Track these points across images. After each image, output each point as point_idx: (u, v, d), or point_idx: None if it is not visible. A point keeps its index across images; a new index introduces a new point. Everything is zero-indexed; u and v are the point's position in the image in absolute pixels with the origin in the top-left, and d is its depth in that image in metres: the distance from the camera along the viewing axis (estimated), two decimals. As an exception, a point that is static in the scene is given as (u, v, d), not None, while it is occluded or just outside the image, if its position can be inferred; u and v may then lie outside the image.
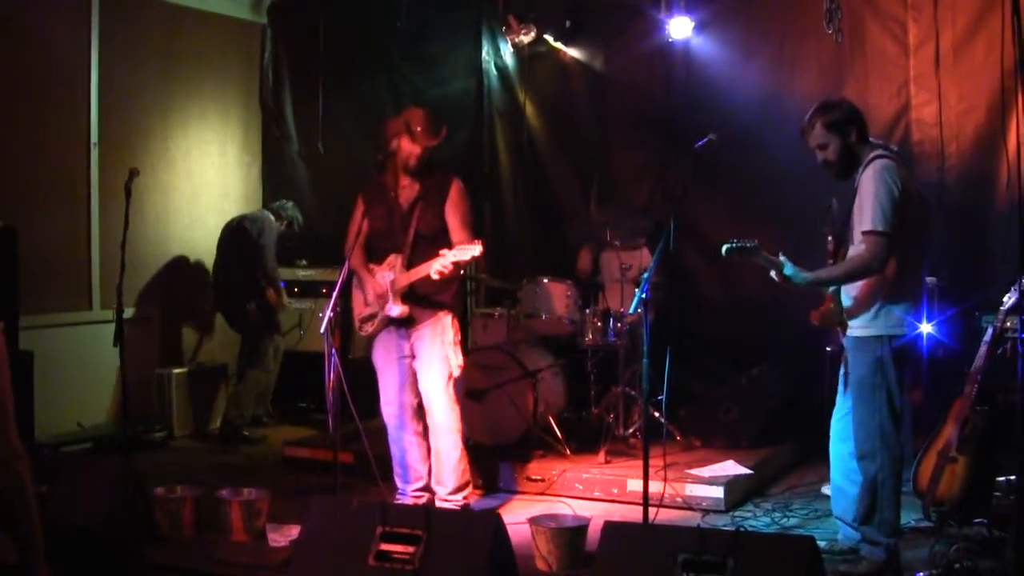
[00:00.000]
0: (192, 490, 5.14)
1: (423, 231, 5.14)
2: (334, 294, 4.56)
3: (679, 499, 5.46)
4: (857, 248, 4.27)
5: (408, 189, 5.22)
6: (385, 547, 3.87)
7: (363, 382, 5.33)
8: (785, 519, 5.25)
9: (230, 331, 7.75)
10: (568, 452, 6.14)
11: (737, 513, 5.39)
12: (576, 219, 7.31)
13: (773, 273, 4.33)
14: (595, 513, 5.05)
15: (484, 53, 8.04)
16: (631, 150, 7.64)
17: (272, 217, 7.60)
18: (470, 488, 5.36)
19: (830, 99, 4.52)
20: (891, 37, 6.61)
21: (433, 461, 5.28)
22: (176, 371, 7.62)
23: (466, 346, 6.40)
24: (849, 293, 4.37)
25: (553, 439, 6.21)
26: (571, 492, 5.75)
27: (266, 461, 6.81)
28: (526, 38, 7.61)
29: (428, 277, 4.98)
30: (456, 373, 5.25)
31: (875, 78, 6.65)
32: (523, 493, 5.87)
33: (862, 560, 4.33)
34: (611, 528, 3.83)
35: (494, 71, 8.08)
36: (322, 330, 4.53)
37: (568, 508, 5.32)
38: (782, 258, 4.31)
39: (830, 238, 4.59)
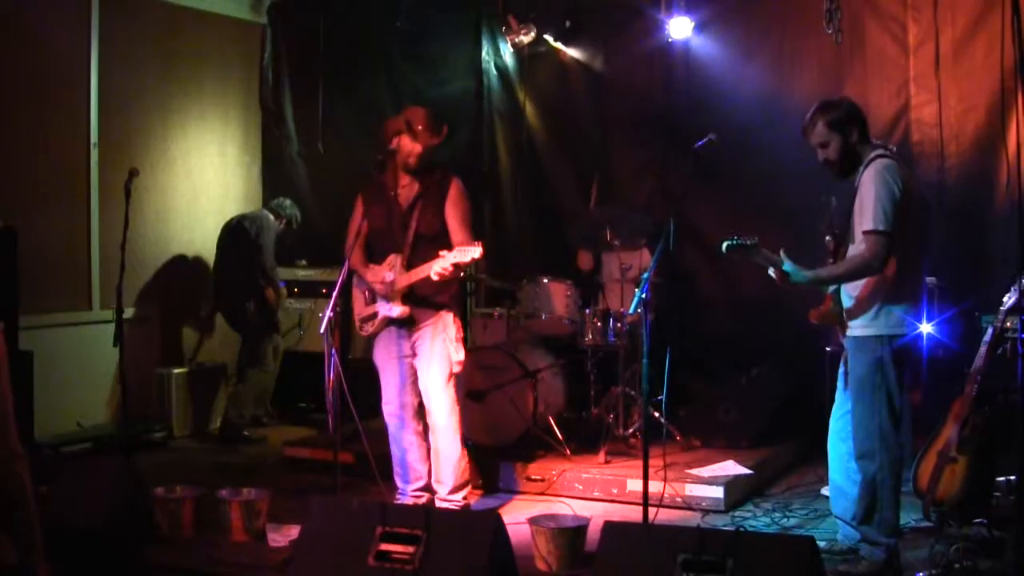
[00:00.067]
0: (192, 490, 5.14)
1: (423, 231, 5.13)
2: (334, 294, 4.56)
3: (679, 499, 5.46)
4: (857, 247, 4.28)
5: (408, 188, 5.21)
6: (385, 547, 3.87)
7: (363, 382, 5.33)
8: (785, 519, 5.25)
9: (230, 331, 7.76)
10: (568, 452, 6.14)
11: (737, 513, 5.38)
12: (576, 219, 7.31)
13: (771, 271, 4.32)
14: (595, 513, 5.05)
15: (484, 53, 8.04)
16: (631, 150, 7.64)
17: (271, 216, 7.62)
18: (470, 487, 5.36)
19: (832, 98, 4.52)
20: (891, 37, 6.61)
21: (433, 460, 5.28)
22: (176, 371, 7.62)
23: (466, 346, 6.39)
24: (850, 293, 4.37)
25: (553, 439, 6.21)
26: (571, 492, 5.75)
27: (266, 461, 6.80)
28: (526, 38, 7.61)
29: (428, 278, 4.98)
30: (457, 369, 5.24)
31: (875, 78, 6.65)
32: (523, 493, 5.87)
33: (862, 560, 4.33)
34: (611, 528, 3.83)
35: (494, 71, 8.08)
36: (322, 330, 4.53)
37: (568, 508, 5.32)
38: (782, 256, 4.31)
39: (828, 237, 4.59)
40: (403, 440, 5.32)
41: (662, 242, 4.46)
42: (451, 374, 5.20)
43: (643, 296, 4.36)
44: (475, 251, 4.82)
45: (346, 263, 4.96)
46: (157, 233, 7.81)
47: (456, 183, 5.20)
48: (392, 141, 5.15)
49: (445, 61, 8.21)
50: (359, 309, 5.35)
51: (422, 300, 5.16)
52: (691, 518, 5.30)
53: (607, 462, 5.97)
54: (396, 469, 5.39)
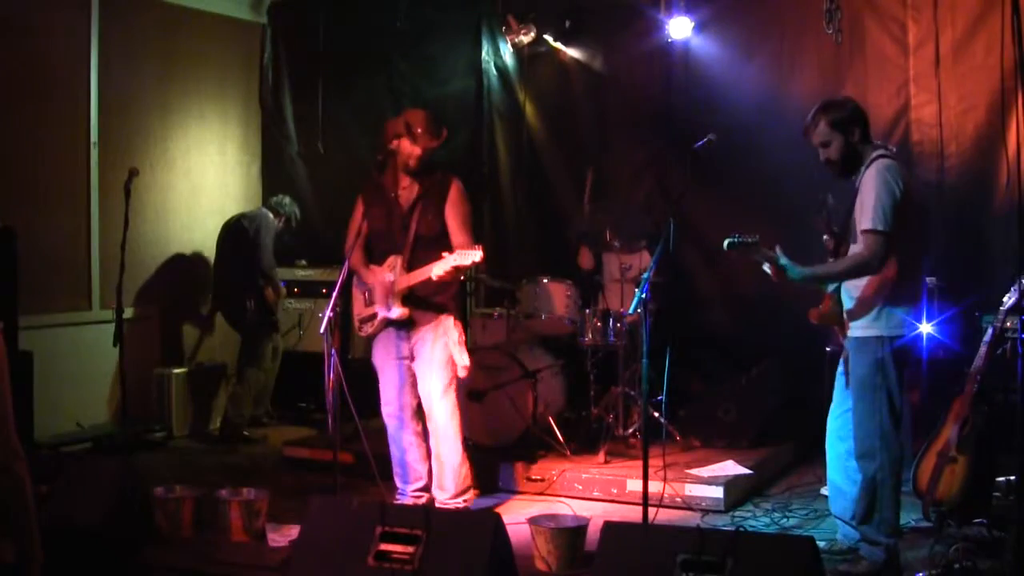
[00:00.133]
0: (192, 490, 5.14)
1: (423, 232, 5.13)
2: (334, 294, 4.56)
3: (679, 499, 5.46)
4: (857, 247, 4.28)
5: (408, 190, 5.21)
6: (384, 547, 3.87)
7: (363, 382, 5.33)
8: (785, 519, 5.25)
9: (230, 331, 7.76)
10: (568, 452, 6.14)
11: (737, 513, 5.38)
12: (576, 218, 7.31)
13: (767, 267, 4.30)
14: (595, 513, 5.06)
15: (484, 53, 8.04)
16: (630, 150, 7.64)
17: (270, 214, 7.62)
18: (471, 492, 5.35)
19: (834, 97, 4.51)
20: (891, 37, 6.61)
21: (434, 466, 5.27)
22: (176, 371, 7.62)
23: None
24: (852, 294, 4.37)
25: (553, 439, 6.21)
26: (571, 492, 5.75)
27: (266, 461, 6.80)
28: (526, 38, 7.61)
29: (428, 279, 4.97)
30: (463, 374, 5.24)
31: (875, 78, 6.65)
32: (523, 493, 5.87)
33: (862, 560, 4.33)
34: (611, 528, 3.83)
35: (494, 71, 8.08)
36: (322, 330, 4.53)
37: (568, 508, 5.32)
38: (777, 251, 4.30)
39: (826, 235, 4.59)
40: (402, 441, 5.31)
41: (662, 242, 4.47)
42: (451, 379, 5.19)
43: (643, 296, 4.37)
44: (475, 254, 4.82)
45: (346, 263, 4.96)
46: (157, 233, 7.81)
47: (456, 185, 5.20)
48: (391, 143, 5.14)
49: (445, 61, 8.21)
50: (358, 309, 5.35)
51: (421, 301, 5.15)
52: (691, 518, 5.30)
53: (607, 462, 5.97)
54: (396, 469, 5.38)
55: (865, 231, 4.19)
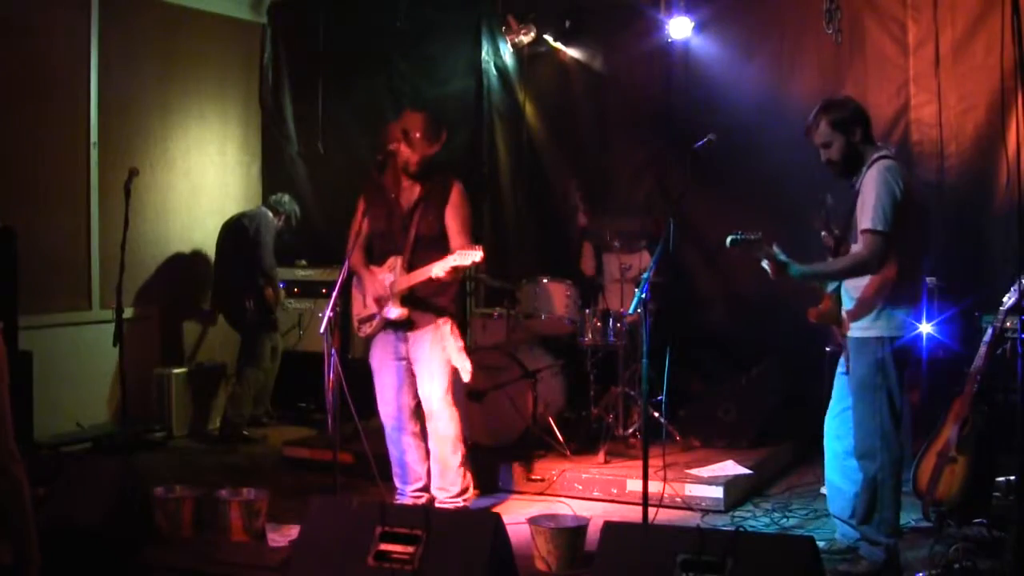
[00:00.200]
0: (192, 490, 5.14)
1: (423, 233, 5.13)
2: (334, 294, 4.56)
3: (679, 499, 5.46)
4: (857, 246, 4.28)
5: (409, 191, 5.20)
6: (384, 547, 3.87)
7: (363, 382, 5.32)
8: (785, 519, 5.25)
9: (230, 331, 7.76)
10: (568, 452, 6.14)
11: (737, 513, 5.38)
12: (575, 218, 7.31)
13: (765, 264, 4.29)
14: (595, 513, 5.06)
15: (484, 53, 8.04)
16: (630, 150, 7.64)
17: (270, 214, 7.62)
18: (471, 492, 5.36)
19: (836, 97, 4.51)
20: (891, 37, 6.61)
21: (433, 467, 5.27)
22: (176, 371, 7.61)
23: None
24: (852, 295, 4.37)
25: (553, 439, 6.21)
26: (571, 492, 5.75)
27: (266, 461, 6.80)
28: (526, 38, 7.61)
29: (427, 280, 4.97)
30: (466, 378, 5.24)
31: (875, 78, 6.65)
32: (523, 493, 5.86)
33: (861, 560, 4.33)
34: (611, 528, 3.83)
35: (494, 71, 8.08)
36: (322, 330, 4.53)
37: (568, 508, 5.32)
38: (775, 248, 4.29)
39: (824, 233, 4.59)
40: (401, 441, 5.31)
41: (662, 242, 4.47)
42: (451, 383, 5.19)
43: (643, 296, 4.37)
44: (475, 255, 4.82)
45: (346, 263, 4.96)
46: (157, 232, 7.81)
47: (457, 187, 5.19)
48: (391, 145, 5.14)
49: (445, 61, 8.21)
50: (358, 310, 5.35)
51: (421, 302, 5.15)
52: (691, 518, 5.30)
53: (607, 462, 5.97)
54: (395, 470, 5.38)
55: (865, 231, 4.19)
